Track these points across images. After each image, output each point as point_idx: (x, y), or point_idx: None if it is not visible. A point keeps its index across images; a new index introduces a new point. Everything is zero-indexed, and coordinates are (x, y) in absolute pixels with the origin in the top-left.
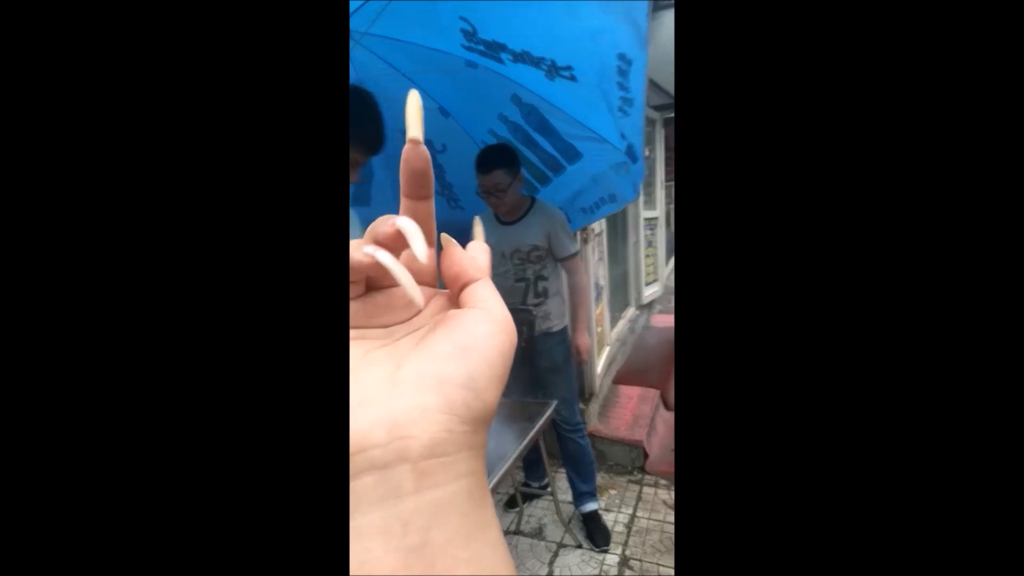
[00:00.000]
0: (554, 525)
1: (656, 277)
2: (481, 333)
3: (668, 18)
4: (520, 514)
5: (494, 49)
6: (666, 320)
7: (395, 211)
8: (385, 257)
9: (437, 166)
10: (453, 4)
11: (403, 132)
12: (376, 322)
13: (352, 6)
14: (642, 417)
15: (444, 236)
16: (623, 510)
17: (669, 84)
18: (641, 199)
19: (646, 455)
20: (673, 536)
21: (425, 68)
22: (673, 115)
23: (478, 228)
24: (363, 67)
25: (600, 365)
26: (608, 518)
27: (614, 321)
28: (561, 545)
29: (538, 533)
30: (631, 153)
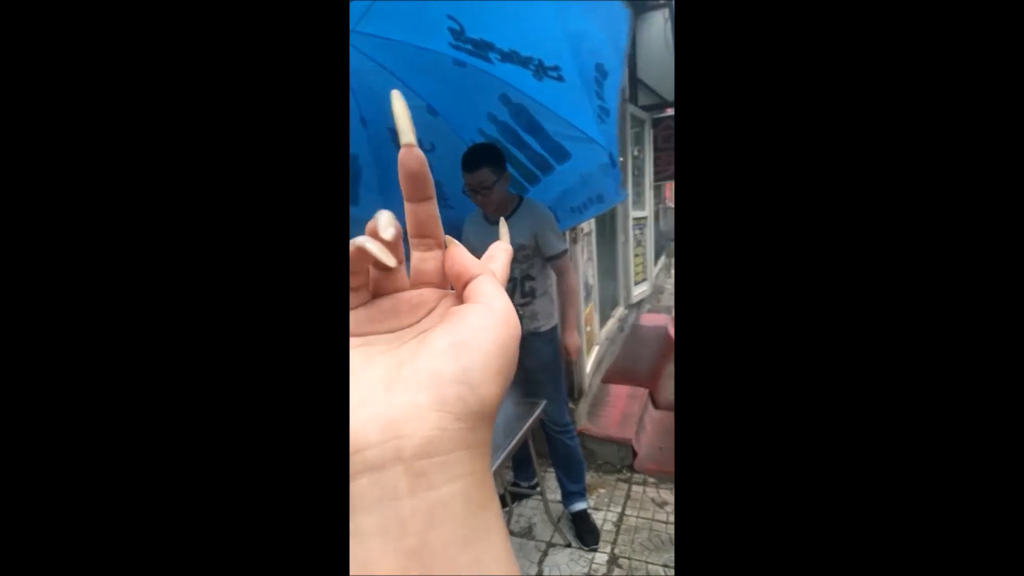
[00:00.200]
0: (543, 524)
1: (645, 276)
2: (477, 327)
3: (657, 19)
4: (509, 514)
5: (482, 48)
6: (655, 319)
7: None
8: (358, 239)
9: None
10: (440, 3)
11: (391, 131)
12: (383, 327)
13: None
14: (631, 416)
15: (446, 237)
16: (612, 509)
17: (658, 84)
18: (630, 199)
19: (635, 453)
20: (662, 534)
21: (413, 66)
22: (662, 115)
23: (503, 229)
24: (350, 65)
25: (589, 364)
26: (597, 517)
27: (603, 320)
28: (550, 544)
29: (527, 533)
30: (611, 157)
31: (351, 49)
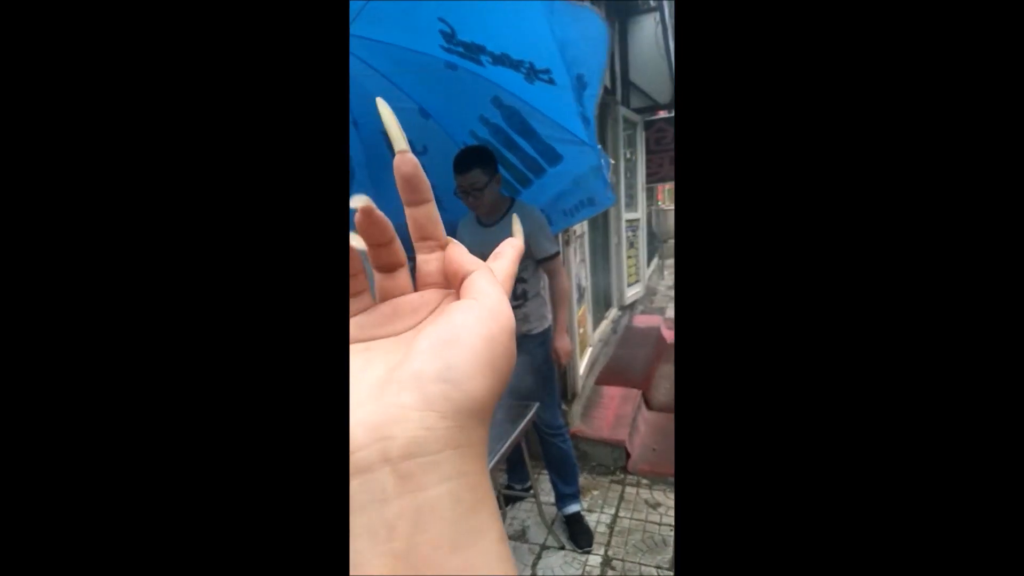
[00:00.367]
0: (537, 527)
1: (638, 278)
2: (463, 322)
3: (649, 22)
4: (503, 517)
5: (473, 51)
6: (648, 320)
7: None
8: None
9: None
10: (432, 5)
11: (384, 135)
12: (385, 331)
13: None
14: (624, 417)
15: (448, 238)
16: (605, 510)
17: (650, 87)
18: (622, 201)
19: (628, 455)
20: (655, 535)
21: (404, 69)
22: (654, 118)
23: (517, 226)
24: None
25: (582, 366)
26: (591, 518)
27: (596, 322)
28: (544, 547)
29: (521, 535)
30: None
31: None
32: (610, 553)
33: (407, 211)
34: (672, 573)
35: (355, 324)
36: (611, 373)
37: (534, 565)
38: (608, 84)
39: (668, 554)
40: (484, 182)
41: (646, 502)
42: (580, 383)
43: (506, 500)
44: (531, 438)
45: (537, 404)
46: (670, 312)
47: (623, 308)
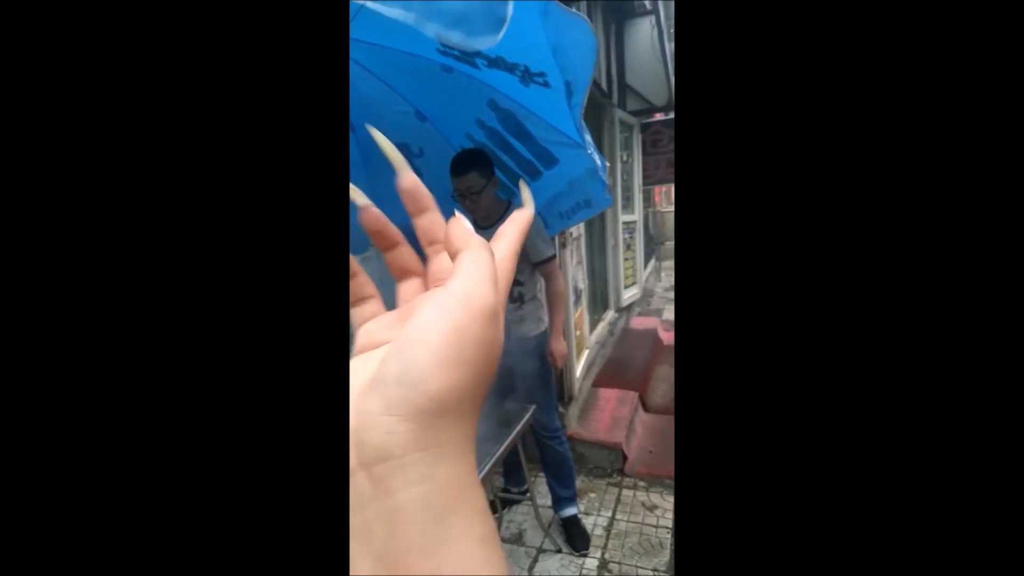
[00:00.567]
0: (534, 530)
1: (635, 280)
2: (428, 317)
3: (645, 25)
4: (500, 520)
5: (469, 54)
6: (645, 322)
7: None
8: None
9: (415, 170)
10: None
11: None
12: (391, 336)
13: None
14: (621, 419)
15: (454, 211)
16: (602, 513)
17: (646, 90)
18: (619, 203)
19: (625, 457)
20: (652, 538)
21: (400, 72)
22: (650, 120)
23: (526, 193)
24: None
25: (579, 368)
26: (587, 521)
27: (593, 324)
28: (541, 550)
29: (518, 539)
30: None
31: None
32: (607, 556)
33: (413, 222)
34: None
35: (364, 331)
36: (608, 375)
37: (531, 568)
38: (604, 87)
39: (665, 557)
40: (481, 185)
41: (643, 504)
42: (577, 385)
43: (503, 503)
44: (528, 441)
45: (534, 407)
46: (667, 314)
47: (620, 310)
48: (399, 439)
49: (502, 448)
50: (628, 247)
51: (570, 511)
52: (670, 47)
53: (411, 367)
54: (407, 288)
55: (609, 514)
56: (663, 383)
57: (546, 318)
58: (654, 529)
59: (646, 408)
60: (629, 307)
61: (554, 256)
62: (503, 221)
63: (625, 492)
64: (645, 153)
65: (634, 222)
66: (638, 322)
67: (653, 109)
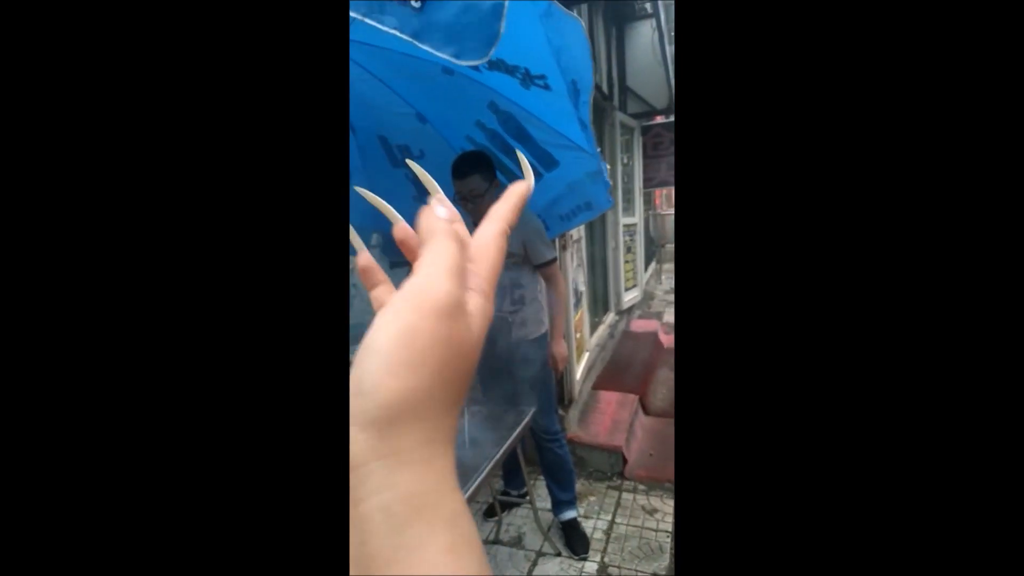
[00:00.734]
0: (533, 533)
1: (635, 283)
2: (379, 323)
3: (645, 29)
4: (499, 523)
5: None
6: (645, 325)
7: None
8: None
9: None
10: None
11: (382, 139)
12: None
13: None
14: (621, 422)
15: (437, 192)
16: (602, 516)
17: (647, 92)
18: (620, 206)
19: (625, 460)
20: (652, 542)
21: (402, 74)
22: (651, 123)
23: (524, 162)
24: None
25: (579, 371)
26: (587, 525)
27: (594, 326)
28: (540, 553)
29: (517, 542)
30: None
31: None
32: (606, 560)
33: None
34: None
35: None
36: (608, 378)
37: (530, 572)
38: (605, 90)
39: (665, 560)
40: (483, 189)
41: (643, 508)
42: (577, 388)
43: (502, 506)
44: (527, 444)
45: (533, 409)
46: (667, 317)
47: (620, 313)
48: (358, 448)
49: (501, 451)
50: (629, 250)
51: (570, 514)
52: (671, 50)
53: (363, 376)
54: None
55: (609, 517)
56: (663, 386)
57: (546, 320)
58: (654, 533)
59: (646, 411)
60: (630, 310)
61: (555, 259)
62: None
63: (625, 495)
64: (646, 156)
65: (635, 225)
66: (638, 325)
67: (654, 112)
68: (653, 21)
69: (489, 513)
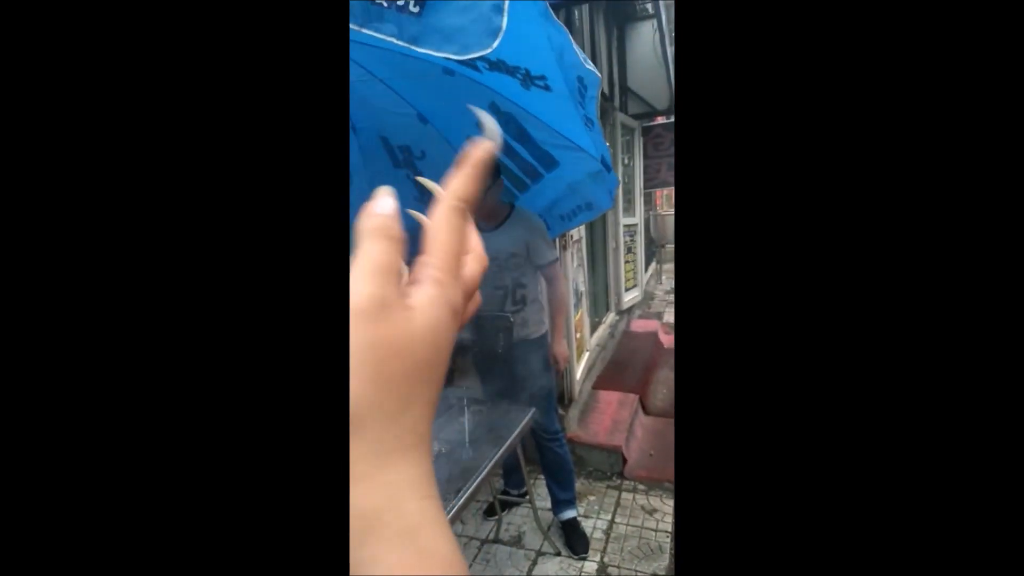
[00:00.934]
0: (533, 533)
1: (636, 283)
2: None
3: (647, 29)
4: (499, 522)
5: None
6: (646, 325)
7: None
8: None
9: (417, 173)
10: None
11: (384, 140)
12: None
13: None
14: (621, 422)
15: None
16: (602, 516)
17: (648, 93)
18: (620, 206)
19: (625, 460)
20: (651, 541)
21: (403, 75)
22: (651, 124)
23: (487, 120)
24: None
25: (580, 371)
26: (587, 524)
27: (594, 326)
28: (540, 553)
29: (517, 541)
30: (604, 163)
31: None
32: (606, 559)
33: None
34: None
35: None
36: (608, 378)
37: (530, 571)
38: (606, 90)
39: (664, 560)
40: (488, 184)
41: (642, 508)
42: (577, 388)
43: (502, 505)
44: (528, 443)
45: (533, 409)
46: (667, 317)
47: (621, 313)
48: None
49: (501, 450)
50: (629, 250)
51: (569, 514)
52: (671, 51)
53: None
54: None
55: (608, 517)
56: (663, 386)
57: (547, 320)
58: (653, 533)
59: (646, 411)
60: (630, 310)
61: (557, 259)
62: (506, 224)
63: (625, 495)
64: (646, 156)
65: (635, 225)
66: (639, 325)
67: (654, 112)
68: (654, 21)
69: (489, 512)
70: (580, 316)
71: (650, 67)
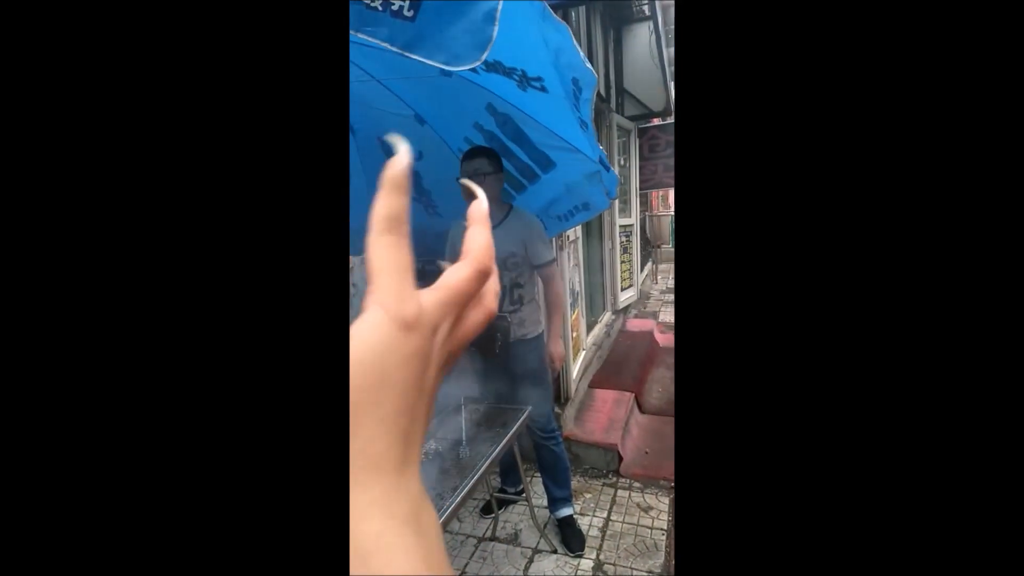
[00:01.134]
0: (529, 531)
1: (631, 282)
2: None
3: (643, 31)
4: (496, 520)
5: None
6: (641, 324)
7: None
8: None
9: (415, 173)
10: None
11: (381, 141)
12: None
13: None
14: (617, 420)
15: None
16: (598, 514)
17: (644, 95)
18: (616, 206)
19: (621, 458)
20: (647, 539)
21: (399, 75)
22: (647, 125)
23: (475, 189)
24: None
25: (576, 369)
26: (583, 522)
27: (590, 326)
28: (536, 550)
29: (513, 539)
30: (603, 162)
31: None
32: (602, 557)
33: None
34: None
35: None
36: (604, 376)
37: (526, 569)
38: (603, 92)
39: (660, 558)
40: (488, 170)
41: (638, 506)
42: (573, 386)
43: (499, 503)
44: (524, 441)
45: (530, 408)
46: (663, 316)
47: (616, 312)
48: None
49: (498, 448)
50: (625, 250)
51: (566, 512)
52: (668, 53)
53: None
54: None
55: (604, 515)
56: (659, 384)
57: (543, 320)
58: (649, 530)
59: (642, 409)
60: (626, 309)
61: (554, 260)
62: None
63: (620, 493)
64: (642, 158)
65: (631, 225)
66: (634, 324)
67: (650, 114)
68: (650, 24)
69: (486, 510)
70: (576, 315)
71: (646, 69)
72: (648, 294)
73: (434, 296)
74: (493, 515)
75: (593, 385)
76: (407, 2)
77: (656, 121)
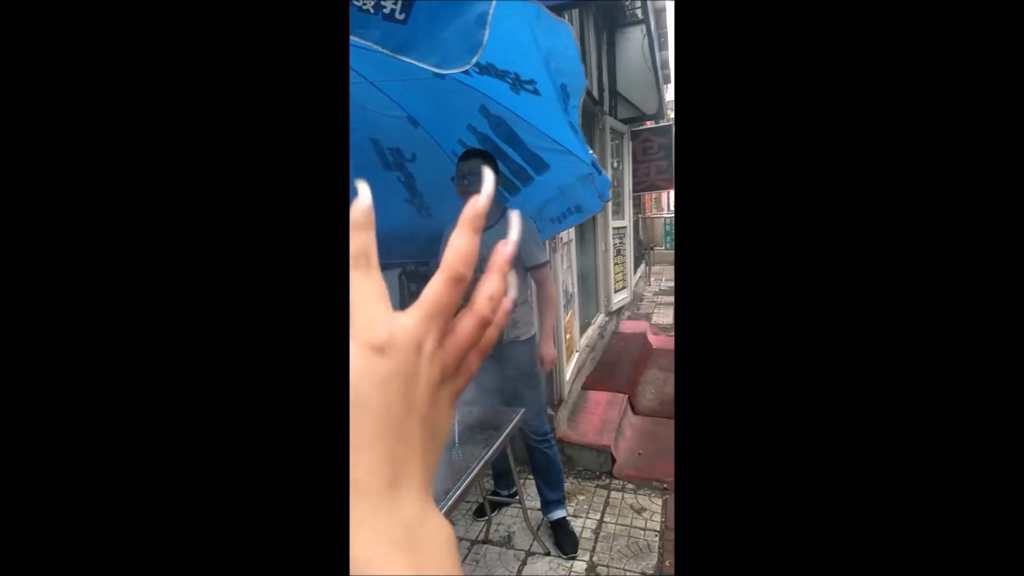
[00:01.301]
0: (522, 533)
1: (625, 284)
2: None
3: (636, 35)
4: (489, 523)
5: None
6: (634, 326)
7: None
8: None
9: (408, 175)
10: None
11: (375, 142)
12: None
13: None
14: (610, 422)
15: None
16: (591, 516)
17: (637, 98)
18: (609, 209)
19: (614, 460)
20: (640, 541)
21: (392, 77)
22: (640, 128)
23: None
24: None
25: (569, 371)
26: (576, 524)
27: (583, 328)
28: (529, 553)
29: (507, 541)
30: (595, 165)
31: None
32: (595, 559)
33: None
34: None
35: None
36: (597, 378)
37: (519, 571)
38: (595, 95)
39: (653, 560)
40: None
41: (631, 507)
42: (567, 388)
43: (492, 506)
44: (517, 444)
45: (523, 410)
46: (656, 318)
47: (610, 314)
48: None
49: (491, 451)
50: (618, 252)
51: (559, 514)
52: (661, 56)
53: None
54: None
55: (597, 517)
56: (652, 386)
57: (536, 322)
58: (642, 532)
59: (635, 411)
60: (619, 311)
61: (547, 262)
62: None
63: (613, 494)
64: (635, 160)
65: (624, 228)
66: (627, 326)
67: (643, 117)
68: (643, 27)
69: (479, 513)
70: (570, 317)
71: (639, 72)
72: (641, 296)
73: (413, 314)
74: (486, 518)
75: (586, 387)
76: (398, 5)
77: (649, 124)
